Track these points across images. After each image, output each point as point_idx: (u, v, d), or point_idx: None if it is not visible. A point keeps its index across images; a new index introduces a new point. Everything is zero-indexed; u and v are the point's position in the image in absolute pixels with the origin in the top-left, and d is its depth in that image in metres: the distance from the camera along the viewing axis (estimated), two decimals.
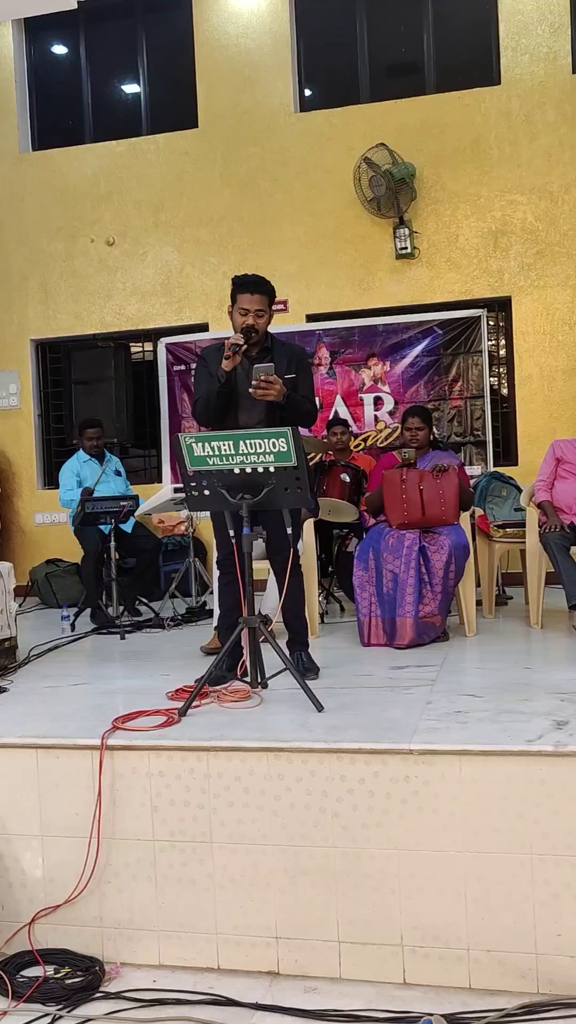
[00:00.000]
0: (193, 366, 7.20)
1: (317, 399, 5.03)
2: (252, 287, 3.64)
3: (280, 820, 2.75)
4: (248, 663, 3.35)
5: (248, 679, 3.36)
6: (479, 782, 2.64)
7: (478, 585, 5.10)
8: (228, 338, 3.58)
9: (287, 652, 3.67)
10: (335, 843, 2.72)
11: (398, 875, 2.67)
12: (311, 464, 5.12)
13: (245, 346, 3.56)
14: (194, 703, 3.21)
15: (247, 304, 3.63)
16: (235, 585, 3.49)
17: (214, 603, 4.62)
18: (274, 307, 3.74)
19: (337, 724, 2.97)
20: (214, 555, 4.98)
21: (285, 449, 3.18)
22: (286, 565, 3.63)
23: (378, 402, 6.91)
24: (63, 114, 8.09)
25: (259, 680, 3.36)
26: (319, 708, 3.13)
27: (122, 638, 5.10)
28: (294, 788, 2.75)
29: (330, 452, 5.84)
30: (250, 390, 3.52)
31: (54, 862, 2.91)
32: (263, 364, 3.52)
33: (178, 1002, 2.59)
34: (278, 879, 2.75)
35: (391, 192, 6.83)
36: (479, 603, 5.17)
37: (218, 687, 3.44)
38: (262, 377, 3.47)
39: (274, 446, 3.18)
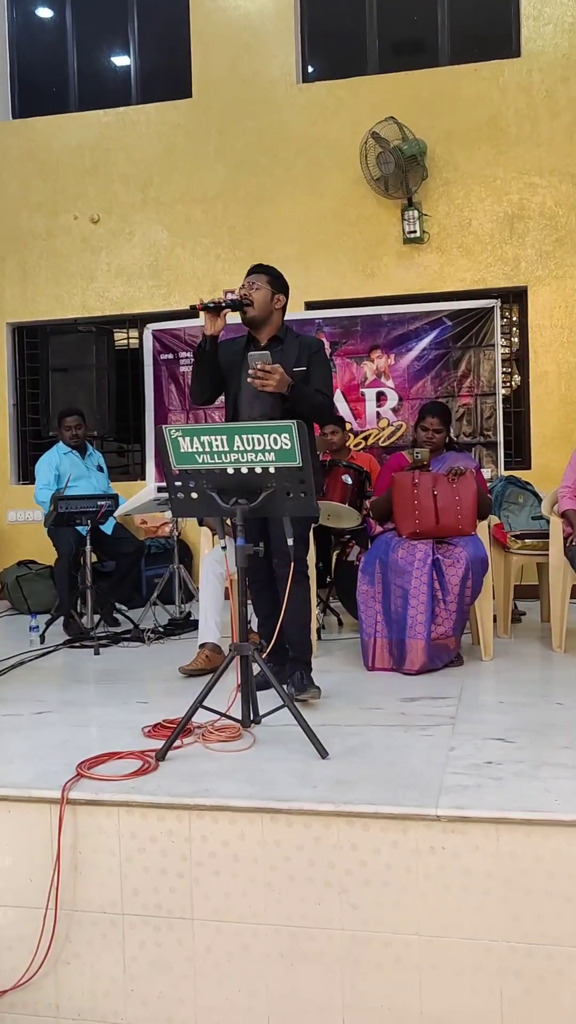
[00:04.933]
0: (182, 355, 6.75)
1: None
2: (251, 270, 3.62)
3: (276, 895, 2.35)
4: (240, 697, 2.87)
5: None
6: (520, 857, 2.24)
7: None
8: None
9: (285, 673, 3.27)
10: (343, 925, 2.32)
11: (419, 966, 2.27)
12: None
13: (226, 307, 3.36)
14: (175, 743, 2.75)
15: (244, 281, 3.55)
16: (265, 594, 3.53)
17: (200, 615, 4.17)
18: (277, 296, 3.60)
19: (346, 776, 2.56)
20: (201, 560, 4.53)
21: (289, 446, 2.73)
22: (287, 572, 3.24)
23: (381, 398, 6.43)
24: (46, 80, 7.63)
25: (251, 717, 2.90)
26: (323, 754, 2.73)
27: (96, 652, 4.63)
28: (294, 857, 2.35)
29: (327, 451, 5.32)
30: (247, 379, 3.31)
31: (1, 938, 2.48)
32: (258, 352, 3.33)
33: None
34: (272, 966, 2.35)
35: (400, 170, 6.39)
36: (494, 621, 4.70)
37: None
38: (258, 365, 3.24)
39: (276, 442, 2.74)
